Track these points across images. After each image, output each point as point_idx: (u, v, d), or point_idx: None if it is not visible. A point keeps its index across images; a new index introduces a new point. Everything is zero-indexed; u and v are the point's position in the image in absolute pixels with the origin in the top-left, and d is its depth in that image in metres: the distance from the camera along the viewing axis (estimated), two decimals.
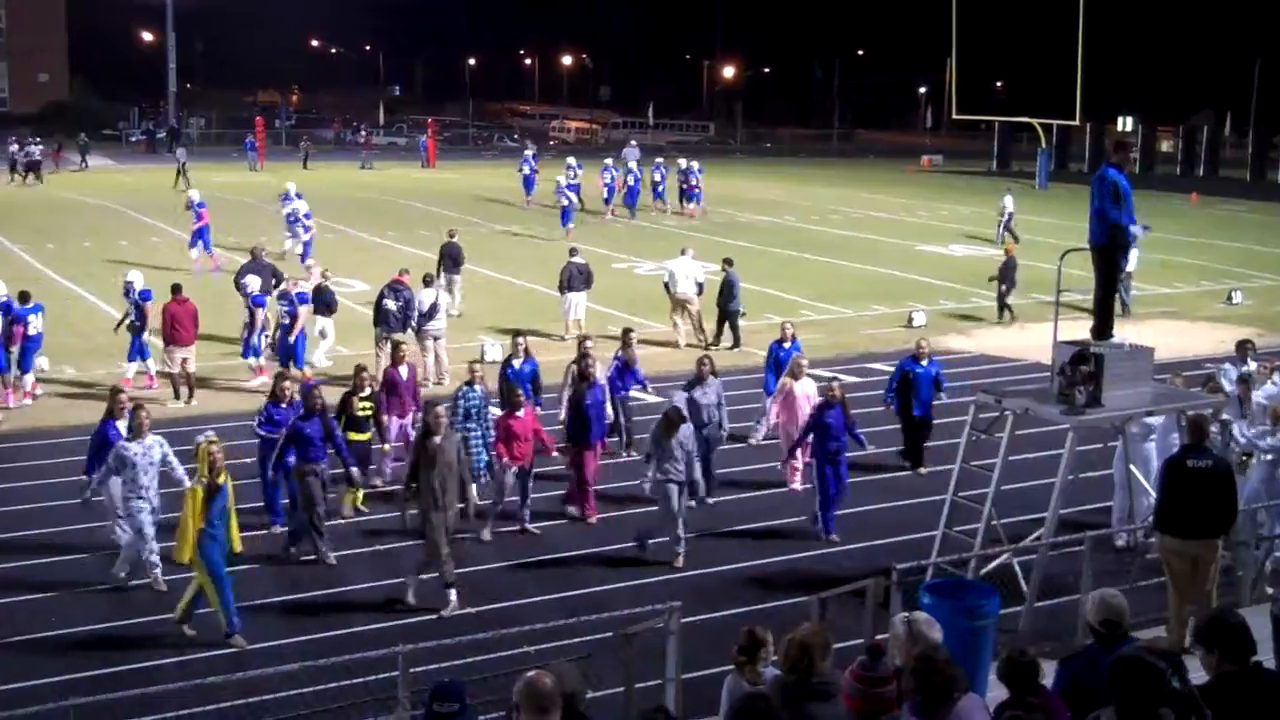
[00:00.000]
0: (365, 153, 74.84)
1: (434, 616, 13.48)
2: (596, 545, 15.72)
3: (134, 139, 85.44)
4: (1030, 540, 13.61)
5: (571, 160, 51.38)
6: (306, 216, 35.16)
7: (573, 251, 27.52)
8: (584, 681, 7.55)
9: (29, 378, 21.54)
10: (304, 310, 22.43)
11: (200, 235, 34.81)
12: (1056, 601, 12.70)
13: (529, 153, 55.09)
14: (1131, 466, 14.92)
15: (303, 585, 14.42)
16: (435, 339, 22.82)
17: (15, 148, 60.91)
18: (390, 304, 22.61)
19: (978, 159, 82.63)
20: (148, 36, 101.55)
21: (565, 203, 42.21)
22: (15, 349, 21.23)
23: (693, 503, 15.82)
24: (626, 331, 20.35)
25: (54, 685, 11.53)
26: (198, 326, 22.01)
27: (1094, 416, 13.17)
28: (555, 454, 16.74)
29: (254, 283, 23.34)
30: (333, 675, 10.67)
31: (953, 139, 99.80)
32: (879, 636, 8.50)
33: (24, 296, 21.86)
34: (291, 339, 22.35)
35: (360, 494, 16.67)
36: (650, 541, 15.34)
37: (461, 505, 14.03)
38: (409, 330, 22.67)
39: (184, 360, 21.67)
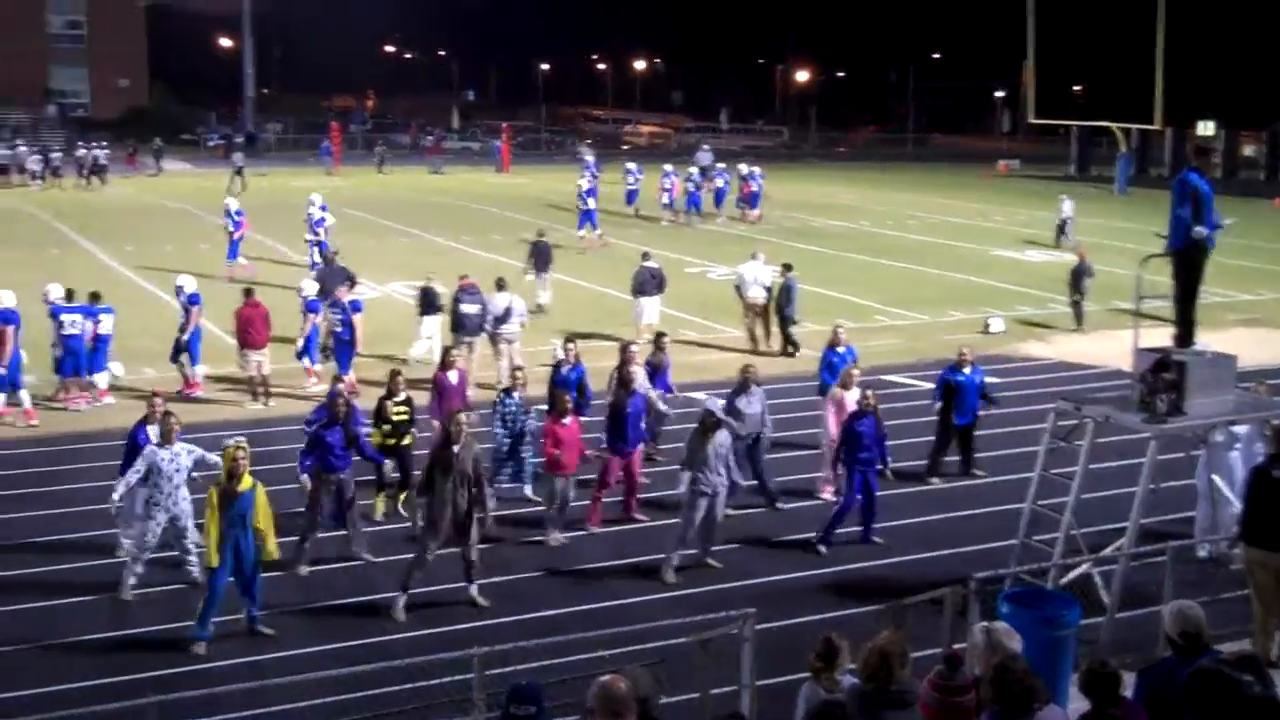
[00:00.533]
0: (432, 157, 75.30)
1: (510, 619, 13.48)
2: (647, 553, 15.43)
3: (212, 144, 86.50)
4: (1111, 550, 13.40)
5: (631, 165, 51.64)
6: (318, 224, 34.36)
7: (645, 256, 27.52)
8: (658, 686, 7.51)
9: (101, 377, 21.83)
10: (358, 318, 22.42)
11: (234, 245, 34.77)
12: (1138, 612, 12.46)
13: (590, 159, 55.25)
14: (1215, 476, 14.67)
15: (376, 586, 14.46)
16: (509, 343, 22.84)
17: (82, 151, 62.06)
18: (468, 308, 22.70)
19: (1056, 164, 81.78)
20: (226, 43, 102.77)
21: (585, 207, 41.52)
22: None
23: (730, 510, 15.62)
24: (659, 336, 20.38)
25: (120, 685, 11.64)
26: (270, 329, 22.20)
27: (1176, 425, 12.96)
28: (593, 457, 16.60)
29: (309, 287, 23.51)
30: (406, 677, 10.68)
31: (1030, 144, 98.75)
32: (957, 646, 8.39)
33: (95, 296, 22.18)
34: (360, 348, 22.44)
35: (404, 496, 16.65)
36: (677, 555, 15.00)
37: (480, 516, 13.93)
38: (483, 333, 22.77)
39: (258, 363, 21.87)
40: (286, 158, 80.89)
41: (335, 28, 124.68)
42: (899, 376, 23.67)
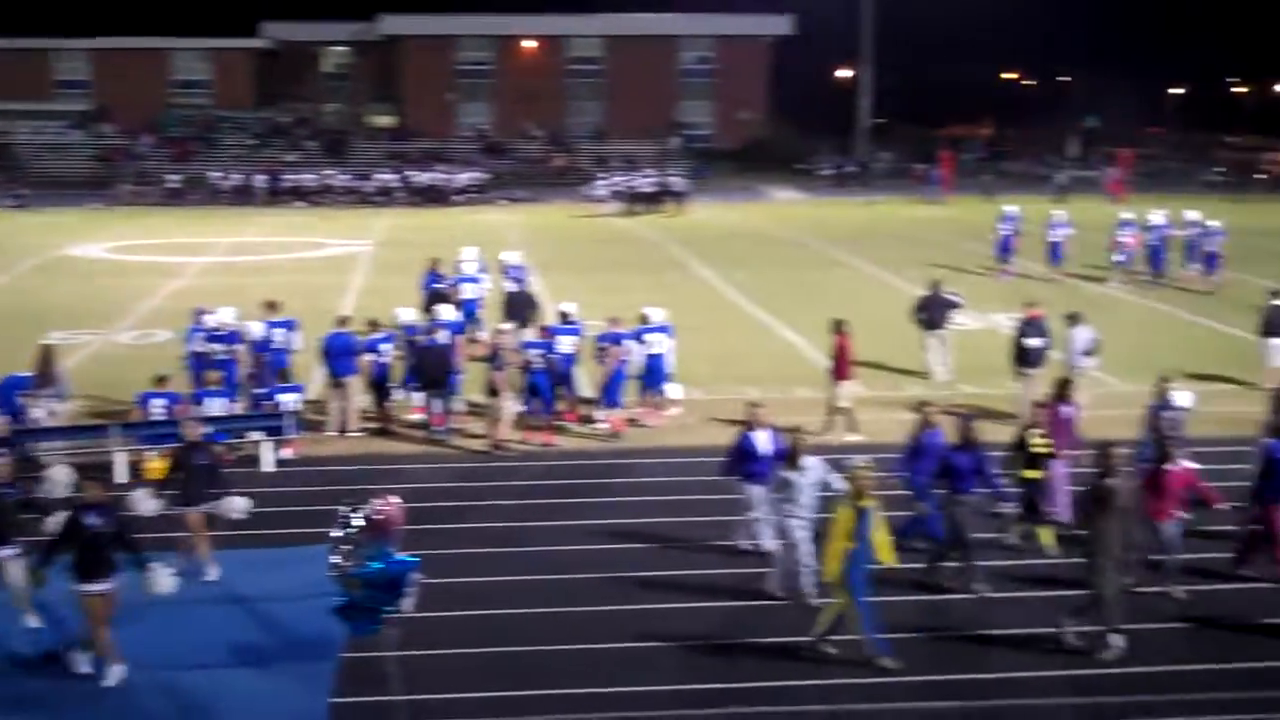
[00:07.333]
0: (936, 189, 71.91)
1: (1101, 671, 12.95)
2: None
3: (824, 174, 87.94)
4: None
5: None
6: None
7: (1274, 294, 25.57)
8: None
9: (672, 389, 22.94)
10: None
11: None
12: None
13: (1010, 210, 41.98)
14: None
15: (950, 620, 14.29)
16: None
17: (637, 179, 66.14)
18: (1034, 341, 22.51)
19: None
20: (844, 74, 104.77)
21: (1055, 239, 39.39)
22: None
23: None
24: None
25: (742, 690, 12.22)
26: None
27: None
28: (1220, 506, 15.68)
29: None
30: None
31: None
32: None
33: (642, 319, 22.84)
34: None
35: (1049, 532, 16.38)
36: None
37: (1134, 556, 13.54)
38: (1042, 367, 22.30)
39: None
40: (896, 186, 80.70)
41: (954, 55, 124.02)
42: None
